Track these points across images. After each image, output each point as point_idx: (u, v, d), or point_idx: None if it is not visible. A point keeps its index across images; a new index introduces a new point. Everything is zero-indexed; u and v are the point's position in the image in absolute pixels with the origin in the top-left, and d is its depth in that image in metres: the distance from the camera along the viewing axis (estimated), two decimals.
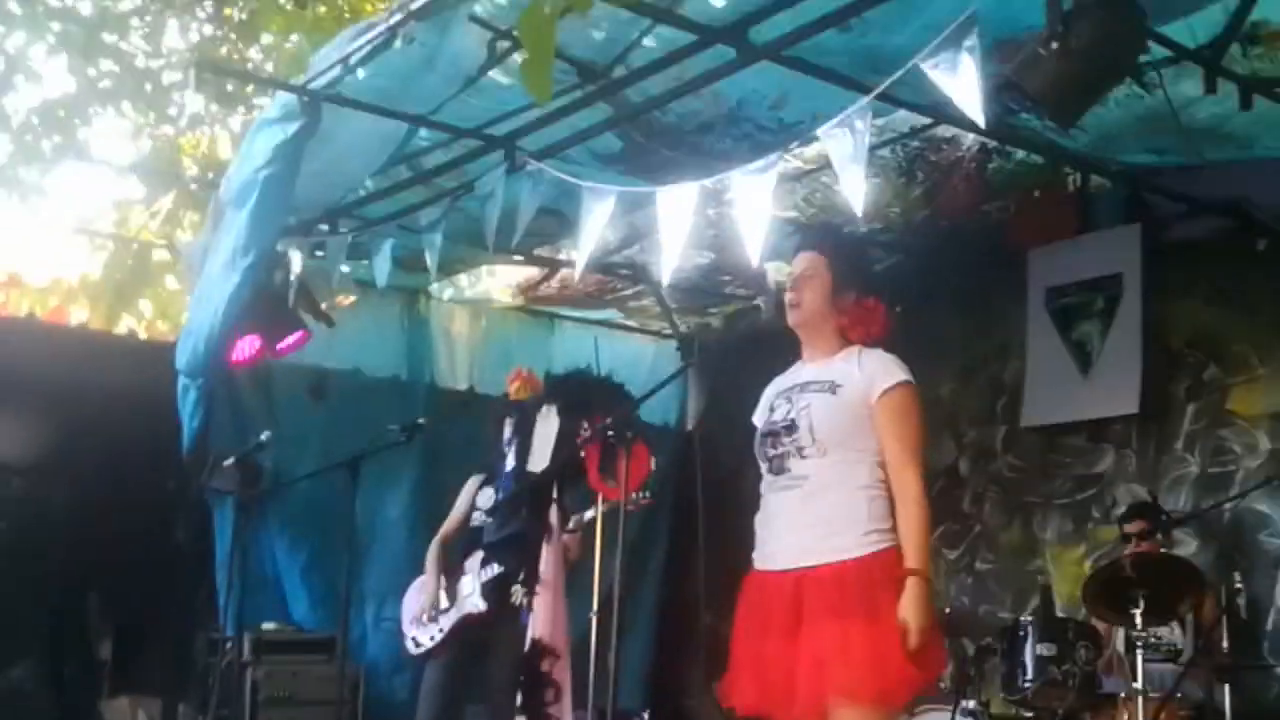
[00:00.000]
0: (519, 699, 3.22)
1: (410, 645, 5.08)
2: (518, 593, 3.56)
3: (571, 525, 4.45)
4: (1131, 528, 5.79)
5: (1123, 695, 5.31)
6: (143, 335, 9.47)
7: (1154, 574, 5.38)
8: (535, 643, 3.36)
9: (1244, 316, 6.09)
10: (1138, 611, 5.21)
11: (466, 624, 4.88)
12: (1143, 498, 6.10)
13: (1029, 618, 5.65)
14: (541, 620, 3.50)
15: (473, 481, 5.27)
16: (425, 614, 5.04)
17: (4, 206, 9.70)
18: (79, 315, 9.28)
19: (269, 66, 10.24)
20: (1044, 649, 5.38)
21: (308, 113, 4.99)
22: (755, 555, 3.41)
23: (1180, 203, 6.06)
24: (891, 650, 3.08)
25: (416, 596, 5.18)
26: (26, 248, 10.28)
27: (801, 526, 3.28)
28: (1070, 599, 6.31)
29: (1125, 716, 5.25)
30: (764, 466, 3.41)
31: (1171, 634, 5.57)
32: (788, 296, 3.45)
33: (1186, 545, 6.07)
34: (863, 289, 3.49)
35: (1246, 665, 5.51)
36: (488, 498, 5.12)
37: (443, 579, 5.12)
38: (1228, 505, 5.89)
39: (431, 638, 4.99)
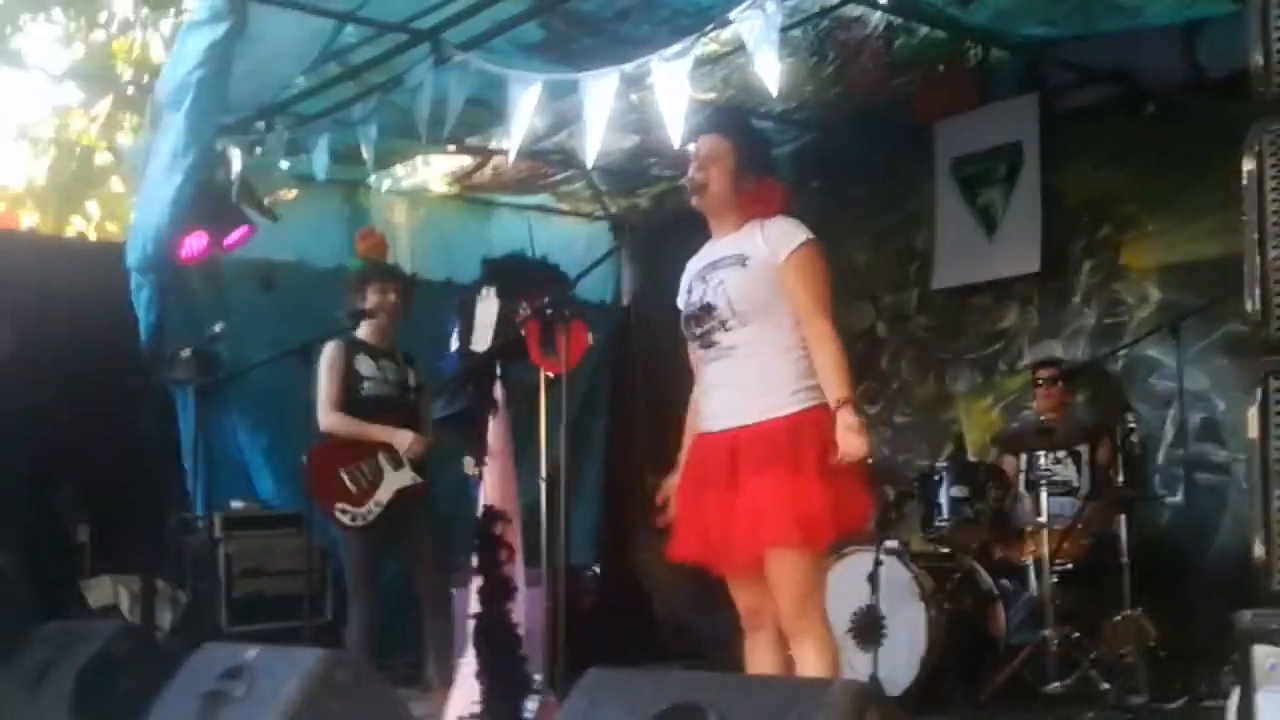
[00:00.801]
0: (474, 560, 3.28)
1: (345, 520, 4.85)
2: (469, 463, 3.60)
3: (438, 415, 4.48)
4: (1044, 373, 5.95)
5: (1029, 528, 5.52)
6: (93, 236, 9.29)
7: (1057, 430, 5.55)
8: (488, 509, 3.41)
9: (1134, 178, 6.17)
10: (1043, 454, 5.41)
11: (401, 496, 4.86)
12: (1052, 350, 6.27)
13: (943, 463, 5.84)
14: (492, 488, 3.54)
15: (335, 347, 5.00)
16: (354, 487, 4.87)
17: None
18: (28, 220, 9.08)
19: None
20: (958, 491, 5.55)
21: (235, 13, 4.91)
22: (700, 420, 3.45)
23: (1074, 72, 6.12)
24: (815, 498, 3.15)
25: (327, 474, 4.90)
26: None
27: (734, 391, 3.32)
28: (980, 445, 6.49)
29: (1032, 547, 5.46)
30: (694, 344, 3.43)
31: (1067, 470, 5.75)
32: (694, 177, 3.42)
33: (1084, 390, 6.21)
34: (764, 169, 3.48)
35: (1140, 497, 5.69)
36: (369, 367, 5.00)
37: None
38: (1122, 352, 6.04)
39: (370, 512, 4.85)
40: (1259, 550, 1.77)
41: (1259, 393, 1.80)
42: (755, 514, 3.19)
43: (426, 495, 4.97)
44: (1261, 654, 1.73)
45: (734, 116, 3.70)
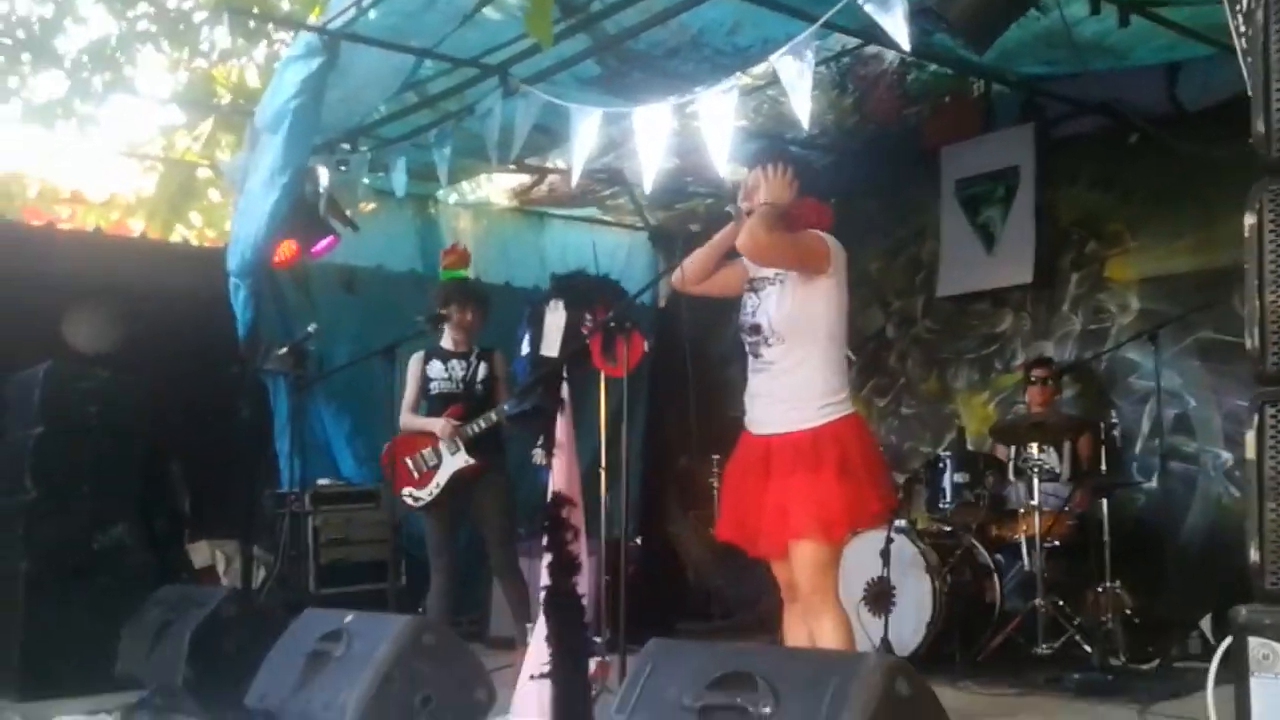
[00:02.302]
0: (544, 540, 3.34)
1: (410, 501, 5.06)
2: (539, 455, 3.66)
3: (509, 411, 4.57)
4: (1038, 372, 5.94)
5: (1021, 510, 5.53)
6: (195, 243, 9.37)
7: (1048, 415, 5.56)
8: (556, 494, 3.46)
9: (1119, 199, 6.15)
10: (1034, 446, 5.41)
11: (457, 477, 4.98)
12: (1045, 352, 6.25)
13: (946, 452, 5.82)
14: (559, 476, 3.58)
15: (416, 358, 5.20)
16: (418, 473, 5.04)
17: (64, 135, 9.55)
18: (136, 228, 9.15)
19: (285, 5, 9.96)
20: (959, 477, 5.56)
21: (328, 49, 4.96)
22: (745, 420, 3.49)
23: (1067, 105, 6.09)
24: (834, 499, 3.21)
25: (398, 464, 5.11)
26: (85, 170, 10.04)
27: (771, 402, 3.37)
28: (978, 435, 6.49)
29: (1024, 526, 5.47)
30: (747, 351, 3.47)
31: (1053, 459, 5.77)
32: (743, 205, 3.43)
33: (1071, 388, 6.22)
34: (804, 192, 3.46)
35: (1119, 484, 5.69)
36: (438, 369, 5.13)
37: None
38: (1106, 355, 6.04)
39: (430, 493, 5.01)
40: (1254, 555, 1.79)
41: (1255, 419, 1.81)
42: (781, 510, 3.25)
43: (490, 474, 5.03)
44: (1255, 645, 1.76)
45: (777, 152, 3.70)
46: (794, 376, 3.33)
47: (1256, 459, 1.79)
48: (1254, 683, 1.76)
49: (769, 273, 3.44)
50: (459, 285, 5.27)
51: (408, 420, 5.13)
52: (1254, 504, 1.79)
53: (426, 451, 5.05)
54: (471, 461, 4.96)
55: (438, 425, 5.02)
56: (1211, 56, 4.86)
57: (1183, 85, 5.62)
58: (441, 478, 4.99)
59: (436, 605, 4.95)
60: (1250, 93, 1.86)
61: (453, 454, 5.00)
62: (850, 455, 3.25)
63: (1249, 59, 1.90)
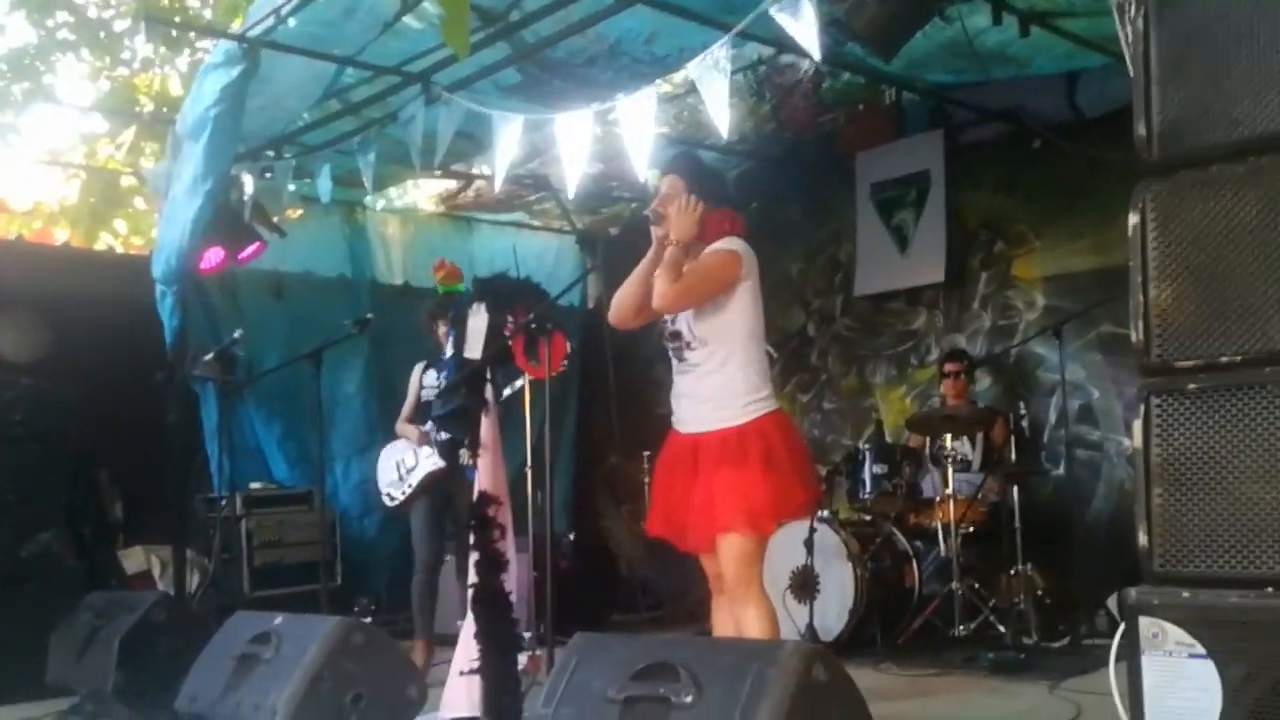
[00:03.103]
0: (471, 539, 3.31)
1: (386, 500, 5.25)
2: (464, 454, 3.63)
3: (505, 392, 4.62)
4: (950, 366, 6.03)
5: (937, 498, 5.62)
6: (120, 250, 9.14)
7: (961, 416, 5.66)
8: (482, 494, 3.43)
9: (1023, 202, 6.26)
10: (948, 437, 5.50)
11: (431, 478, 5.08)
12: (959, 346, 6.34)
13: (865, 445, 5.88)
14: (484, 475, 3.56)
15: (418, 367, 5.37)
16: (397, 473, 5.21)
17: None
18: (60, 236, 8.91)
19: (206, 14, 9.76)
20: (878, 468, 5.63)
21: (248, 57, 4.89)
22: (673, 419, 3.48)
23: (973, 112, 6.20)
24: (759, 493, 3.22)
25: (387, 464, 5.30)
26: (7, 179, 9.74)
27: (696, 402, 3.37)
28: (895, 428, 6.57)
29: (940, 514, 5.56)
30: (671, 355, 3.46)
31: (965, 449, 5.87)
32: (655, 210, 3.41)
33: (983, 381, 6.33)
34: (714, 200, 3.42)
35: (1029, 471, 5.80)
36: (431, 378, 5.25)
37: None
38: (1013, 349, 6.16)
39: (403, 493, 5.16)
40: (1143, 539, 1.84)
41: (1142, 409, 1.86)
42: (709, 504, 3.25)
43: (460, 476, 4.94)
44: (1145, 624, 1.80)
45: (686, 158, 3.68)
46: (718, 377, 3.33)
47: (1143, 447, 1.83)
48: (1145, 660, 1.81)
49: None
50: (449, 298, 5.27)
51: (400, 427, 5.36)
52: (1141, 490, 1.83)
53: (409, 454, 5.23)
54: (440, 464, 5.05)
55: (412, 431, 5.25)
56: (1108, 65, 4.96)
57: (1082, 93, 5.76)
58: (414, 479, 5.16)
59: (417, 589, 5.14)
60: (1134, 99, 1.91)
61: (427, 457, 5.13)
62: (775, 450, 3.26)
63: (1132, 65, 1.95)
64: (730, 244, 3.35)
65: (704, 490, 3.27)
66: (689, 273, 3.29)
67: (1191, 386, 1.84)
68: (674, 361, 3.45)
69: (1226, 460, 1.80)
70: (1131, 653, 1.82)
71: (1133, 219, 1.87)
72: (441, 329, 5.10)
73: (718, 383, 3.33)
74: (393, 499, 5.20)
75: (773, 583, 5.09)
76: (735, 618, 3.32)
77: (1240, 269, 1.81)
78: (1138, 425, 1.84)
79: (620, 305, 3.47)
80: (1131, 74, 1.98)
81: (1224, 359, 1.82)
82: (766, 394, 3.37)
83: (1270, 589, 1.75)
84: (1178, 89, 1.87)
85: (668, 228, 3.38)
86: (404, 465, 5.18)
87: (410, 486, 5.13)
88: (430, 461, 5.08)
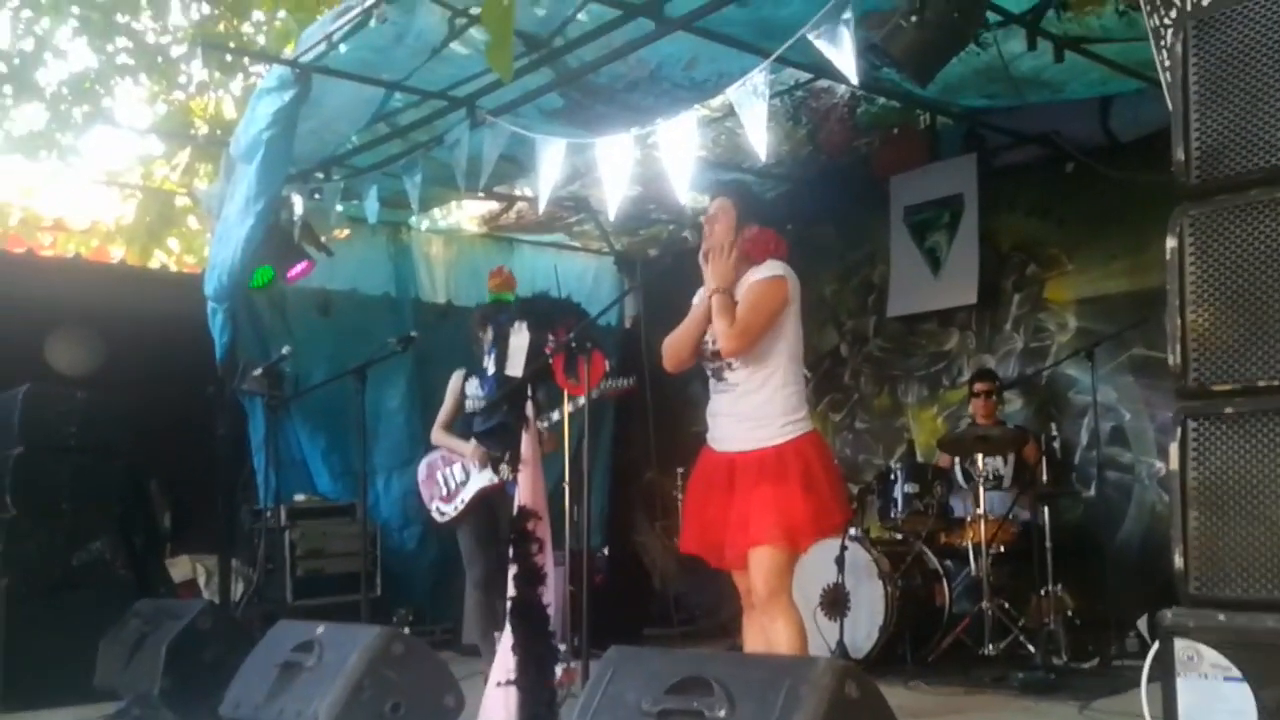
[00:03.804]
0: (511, 552, 3.31)
1: (436, 516, 5.04)
2: (505, 470, 3.63)
3: (545, 424, 4.47)
4: (980, 386, 5.98)
5: (968, 518, 5.56)
6: (174, 269, 9.27)
7: (993, 437, 5.60)
8: (521, 508, 3.43)
9: (1056, 225, 6.21)
10: (980, 456, 5.45)
11: (482, 495, 4.92)
12: (988, 366, 6.28)
13: (897, 464, 5.83)
14: (524, 490, 3.55)
15: (457, 375, 5.15)
16: (446, 489, 5.02)
17: (46, 165, 9.45)
18: (116, 254, 9.04)
19: (260, 40, 9.91)
20: (909, 487, 5.58)
21: (300, 82, 4.93)
22: (707, 437, 3.50)
23: (1007, 136, 6.16)
24: (798, 509, 3.24)
25: (431, 478, 5.10)
26: (67, 199, 9.91)
27: (734, 421, 3.39)
28: (927, 448, 6.52)
29: (970, 533, 5.50)
30: (709, 374, 3.50)
31: (995, 463, 5.80)
32: (705, 230, 3.48)
33: (1014, 403, 6.27)
34: (760, 221, 3.50)
35: (1060, 492, 5.74)
36: (474, 387, 5.07)
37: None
38: (1046, 371, 6.09)
39: (455, 508, 4.98)
40: (1179, 561, 1.80)
41: (1179, 432, 1.83)
42: (744, 520, 3.26)
43: (503, 491, 4.86)
44: (1181, 646, 1.77)
45: (734, 182, 3.77)
46: (758, 396, 3.35)
47: (1180, 470, 1.80)
48: (1180, 683, 1.78)
49: None
50: (499, 303, 5.13)
51: (439, 436, 5.09)
52: (1177, 513, 1.80)
53: (456, 468, 5.02)
54: (496, 480, 4.87)
55: (467, 448, 4.96)
56: (1142, 90, 4.93)
57: (1115, 118, 5.71)
58: (466, 494, 4.96)
59: (470, 605, 4.98)
60: (1173, 126, 1.88)
61: (480, 471, 4.94)
62: (814, 469, 3.29)
63: (1170, 90, 1.93)
64: (776, 269, 3.40)
65: (741, 506, 3.28)
66: (745, 310, 3.34)
67: (1228, 410, 1.81)
68: (712, 380, 3.47)
69: (1263, 484, 1.76)
70: (1166, 674, 1.79)
71: (1170, 243, 1.84)
72: (490, 334, 4.92)
73: (757, 402, 3.35)
74: (443, 514, 4.99)
75: (804, 600, 5.04)
76: (764, 629, 3.32)
77: (1278, 293, 1.78)
78: (1174, 448, 1.81)
79: (677, 354, 3.51)
80: (1168, 98, 1.96)
81: (1261, 383, 1.79)
82: (804, 415, 3.40)
83: None
84: (1216, 114, 1.85)
85: (713, 259, 3.43)
86: (453, 479, 4.99)
87: (462, 503, 4.94)
88: (485, 477, 4.89)
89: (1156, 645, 1.90)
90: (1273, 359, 1.79)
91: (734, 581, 3.48)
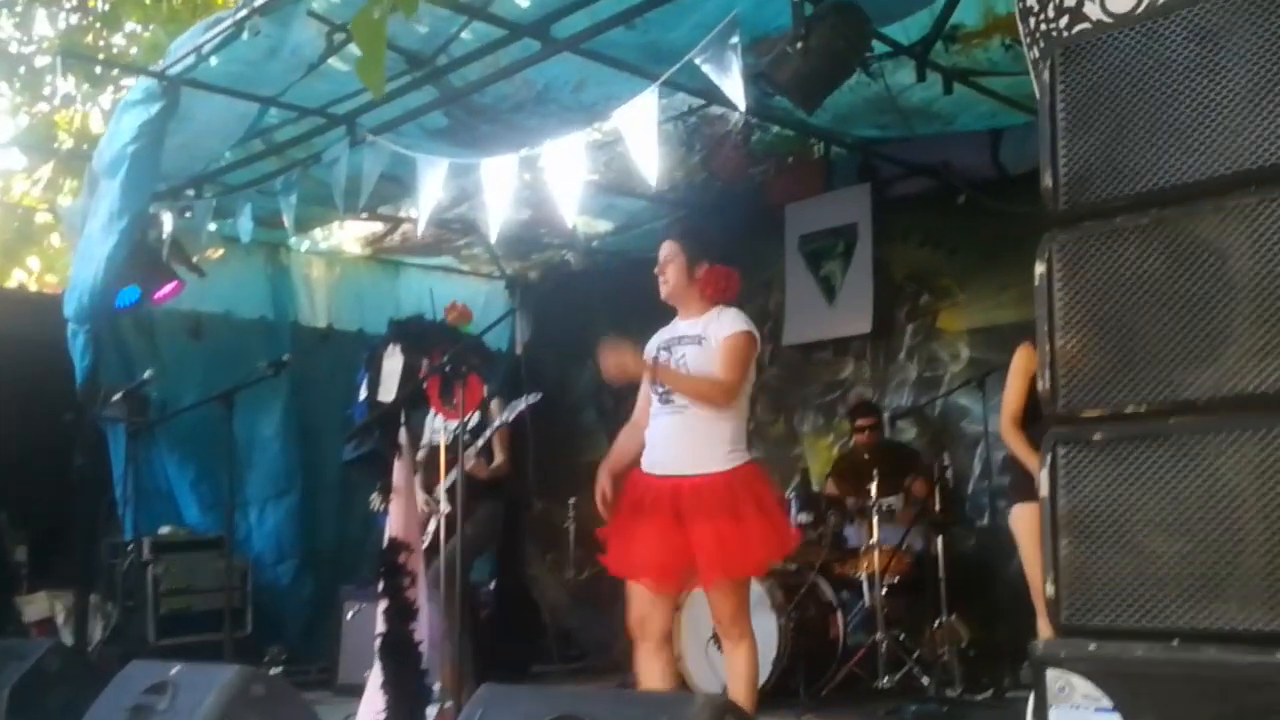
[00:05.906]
0: (380, 586, 3.21)
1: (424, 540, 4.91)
2: (375, 500, 3.53)
3: (505, 417, 4.36)
4: (862, 422, 6.05)
5: (862, 548, 5.59)
6: (33, 288, 8.90)
7: (883, 457, 5.67)
8: (392, 540, 3.34)
9: (948, 255, 6.36)
10: (873, 485, 5.50)
11: (448, 523, 4.69)
12: (866, 399, 6.37)
13: (792, 493, 5.87)
14: (395, 521, 3.47)
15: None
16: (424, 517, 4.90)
17: None
18: None
19: (132, 52, 9.62)
20: (804, 517, 5.61)
21: (167, 95, 4.84)
22: (643, 460, 3.60)
23: (900, 167, 6.29)
24: (757, 539, 3.42)
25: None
26: None
27: (681, 445, 3.50)
28: (821, 477, 6.56)
29: (865, 564, 5.54)
30: (655, 398, 3.60)
31: (891, 499, 5.86)
32: (659, 276, 3.64)
33: (907, 433, 6.36)
34: (713, 259, 3.67)
35: (953, 522, 5.77)
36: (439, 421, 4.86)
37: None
38: (938, 400, 6.21)
39: (426, 537, 4.71)
40: (1049, 590, 1.82)
41: (1048, 458, 1.85)
42: (712, 551, 3.39)
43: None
44: (1052, 676, 1.78)
45: (684, 226, 3.95)
46: (707, 424, 3.49)
47: (1050, 497, 1.82)
48: (1053, 714, 1.78)
49: (685, 332, 3.61)
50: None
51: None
52: (1048, 541, 1.82)
53: (433, 497, 4.89)
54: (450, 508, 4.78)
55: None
56: (1030, 124, 5.07)
57: (1005, 151, 5.88)
58: (432, 525, 4.82)
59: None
60: (1040, 149, 1.92)
61: (447, 503, 4.80)
62: (764, 498, 3.50)
63: (1039, 118, 1.96)
64: (740, 322, 3.57)
65: (701, 535, 3.38)
66: (726, 370, 3.50)
67: (1097, 436, 1.84)
68: (658, 404, 3.56)
69: (1131, 511, 1.79)
70: (1039, 706, 1.79)
71: (1039, 268, 1.87)
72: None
73: (707, 429, 3.48)
74: (424, 541, 4.78)
75: (696, 633, 5.04)
76: (728, 656, 3.57)
77: (1145, 319, 1.82)
78: (1044, 475, 1.83)
79: (625, 455, 3.66)
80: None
81: (1129, 409, 1.82)
82: (745, 445, 3.57)
83: (1175, 641, 1.73)
84: (1083, 141, 1.89)
85: (670, 290, 3.65)
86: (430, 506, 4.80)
87: (430, 533, 4.69)
88: (445, 506, 4.66)
89: (1031, 678, 1.91)
90: (1140, 385, 1.82)
91: (626, 615, 3.54)
